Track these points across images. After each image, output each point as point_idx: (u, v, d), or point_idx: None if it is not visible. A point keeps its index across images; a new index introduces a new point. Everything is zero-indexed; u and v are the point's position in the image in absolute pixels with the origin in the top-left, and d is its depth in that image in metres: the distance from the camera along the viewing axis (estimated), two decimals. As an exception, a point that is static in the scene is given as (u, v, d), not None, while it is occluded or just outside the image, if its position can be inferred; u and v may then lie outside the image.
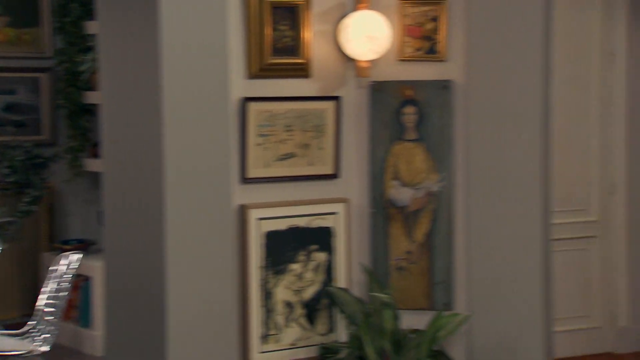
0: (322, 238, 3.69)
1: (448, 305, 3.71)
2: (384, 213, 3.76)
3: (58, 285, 4.16)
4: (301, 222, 3.66)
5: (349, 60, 3.70)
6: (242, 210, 3.54)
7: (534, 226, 3.68)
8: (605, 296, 5.33)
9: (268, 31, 3.53)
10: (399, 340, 3.48)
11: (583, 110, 5.33)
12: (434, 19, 3.71)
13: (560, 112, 5.05)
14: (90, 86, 5.64)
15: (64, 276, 4.17)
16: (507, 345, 3.65)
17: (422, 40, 3.73)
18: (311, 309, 3.68)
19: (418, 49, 3.74)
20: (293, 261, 3.64)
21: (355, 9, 3.65)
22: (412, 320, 3.63)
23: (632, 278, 5.34)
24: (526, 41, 3.63)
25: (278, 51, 3.57)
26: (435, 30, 3.71)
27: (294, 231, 3.64)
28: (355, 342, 3.51)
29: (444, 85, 3.70)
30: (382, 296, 3.49)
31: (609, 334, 5.31)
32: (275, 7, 3.54)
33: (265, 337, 3.58)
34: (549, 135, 3.74)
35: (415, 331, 3.57)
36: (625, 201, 5.36)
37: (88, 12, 5.43)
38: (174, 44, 3.31)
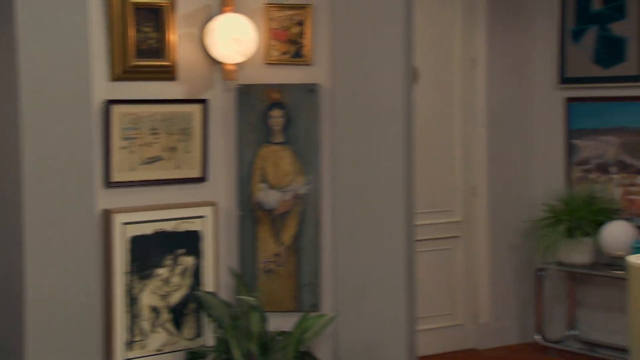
0: (189, 242, 3.66)
1: (315, 307, 3.75)
2: (251, 216, 3.77)
3: None
4: (168, 226, 3.62)
5: (215, 63, 3.69)
6: (106, 215, 3.47)
7: (397, 227, 3.77)
8: (468, 294, 5.53)
9: (131, 32, 3.47)
10: (266, 343, 3.50)
11: (447, 114, 5.51)
12: (300, 23, 3.75)
13: (426, 116, 5.21)
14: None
15: None
16: (372, 344, 3.73)
17: (288, 44, 3.76)
18: (178, 314, 3.64)
19: (284, 53, 3.77)
20: (159, 266, 3.60)
21: (221, 11, 3.64)
22: (280, 323, 3.65)
23: (493, 276, 5.56)
24: (389, 46, 3.73)
25: (142, 53, 3.51)
26: (301, 35, 3.75)
27: (161, 235, 3.59)
28: (222, 345, 3.50)
29: (310, 89, 3.75)
30: (250, 299, 3.50)
31: (472, 331, 5.51)
32: (138, 9, 3.48)
33: (130, 344, 3.52)
34: (411, 138, 3.84)
35: (283, 333, 3.59)
36: (487, 202, 5.58)
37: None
38: (32, 44, 3.20)
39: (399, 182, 3.77)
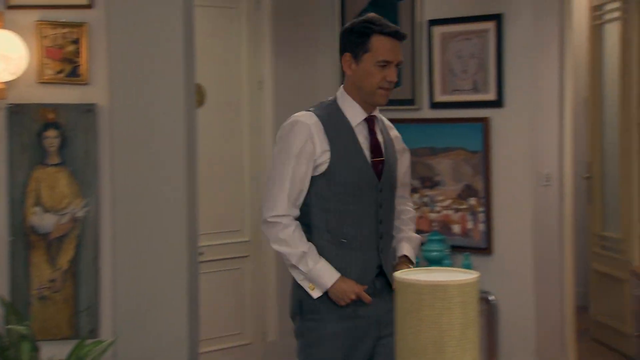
0: (-46, 270, 3.45)
1: (94, 332, 3.64)
2: (24, 240, 3.61)
3: None
4: None
5: (-18, 80, 3.51)
6: None
7: (179, 249, 3.74)
8: (257, 313, 5.57)
9: None
10: (38, 373, 3.35)
11: (236, 134, 5.54)
12: (75, 42, 3.65)
13: (214, 137, 5.23)
14: None
15: None
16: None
17: (63, 63, 3.65)
18: (-60, 348, 3.41)
19: (59, 72, 3.65)
20: None
21: (-12, 27, 3.48)
22: (56, 351, 3.51)
23: (281, 294, 5.64)
24: (168, 64, 3.70)
25: None
26: (76, 53, 3.65)
27: None
28: (-10, 379, 3.32)
29: (87, 109, 3.65)
30: (20, 328, 3.34)
31: (259, 349, 5.56)
32: None
33: None
34: (194, 159, 3.83)
35: (57, 362, 3.46)
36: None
37: None
38: None
39: (181, 203, 3.75)
